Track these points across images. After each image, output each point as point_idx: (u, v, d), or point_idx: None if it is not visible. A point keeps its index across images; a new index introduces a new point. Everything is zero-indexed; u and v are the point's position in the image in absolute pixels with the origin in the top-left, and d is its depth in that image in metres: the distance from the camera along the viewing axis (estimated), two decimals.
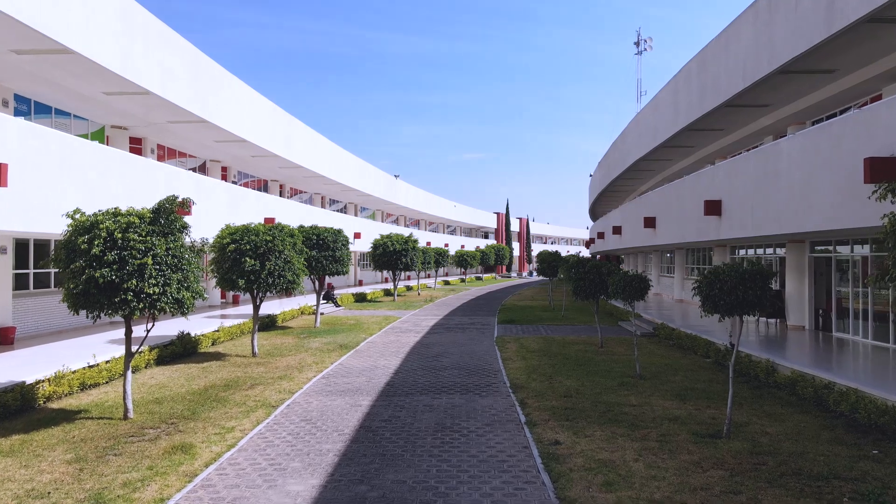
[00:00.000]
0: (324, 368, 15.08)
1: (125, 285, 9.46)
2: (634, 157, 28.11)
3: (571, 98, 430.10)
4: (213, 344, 18.67)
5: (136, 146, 22.42)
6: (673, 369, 14.79)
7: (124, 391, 10.29)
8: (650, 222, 23.39)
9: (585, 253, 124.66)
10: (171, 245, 10.14)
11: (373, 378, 13.90)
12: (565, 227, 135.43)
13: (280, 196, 35.67)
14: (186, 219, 18.30)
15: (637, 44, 58.57)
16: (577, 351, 17.71)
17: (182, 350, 16.52)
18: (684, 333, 18.42)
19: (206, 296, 11.08)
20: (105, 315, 9.80)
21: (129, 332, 10.46)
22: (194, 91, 19.35)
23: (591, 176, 54.64)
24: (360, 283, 52.10)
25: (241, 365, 15.43)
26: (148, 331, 10.67)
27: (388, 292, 42.27)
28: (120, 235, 9.55)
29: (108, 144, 20.44)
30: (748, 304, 8.76)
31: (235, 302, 30.14)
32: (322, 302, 31.03)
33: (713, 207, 16.69)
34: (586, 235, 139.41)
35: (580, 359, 16.29)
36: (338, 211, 46.13)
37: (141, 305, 9.69)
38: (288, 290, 16.71)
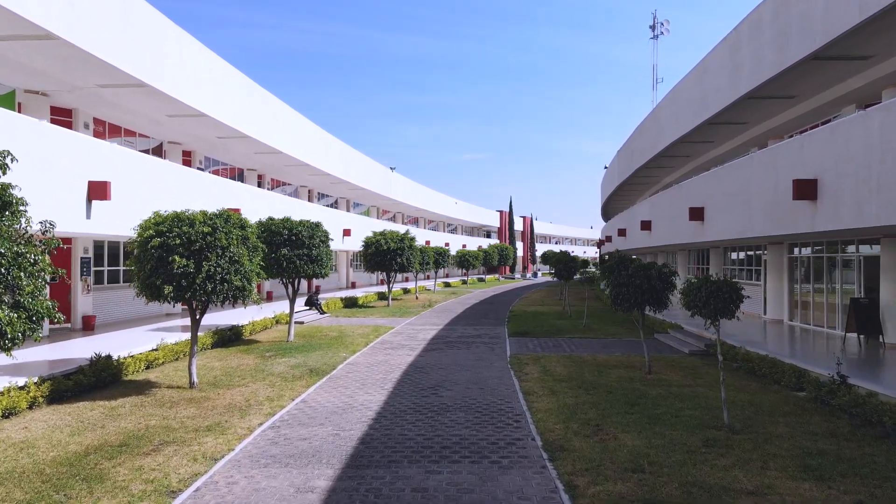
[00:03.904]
0: (278, 409, 10.87)
1: None
2: (670, 139, 23.83)
3: (574, 100, 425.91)
4: (147, 367, 14.46)
5: (63, 118, 18.20)
6: (767, 413, 10.56)
7: None
8: (697, 214, 19.15)
9: (589, 253, 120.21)
10: None
11: (343, 428, 9.69)
12: (570, 226, 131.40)
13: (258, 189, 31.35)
14: (106, 205, 14.20)
15: (653, 27, 54.50)
16: (619, 379, 13.48)
17: (94, 380, 12.28)
18: (756, 355, 14.19)
19: (58, 316, 6.84)
20: None
21: None
22: (126, 43, 15.13)
23: (605, 168, 50.36)
24: (353, 286, 47.88)
25: (165, 403, 11.21)
26: None
27: (382, 296, 38.04)
28: None
29: (20, 113, 16.18)
30: None
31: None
32: (304, 308, 26.82)
33: (805, 190, 12.48)
34: (590, 235, 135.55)
35: (629, 392, 12.07)
36: (328, 206, 41.87)
37: None
38: (235, 299, 12.49)
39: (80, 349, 15.08)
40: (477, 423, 10.00)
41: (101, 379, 12.46)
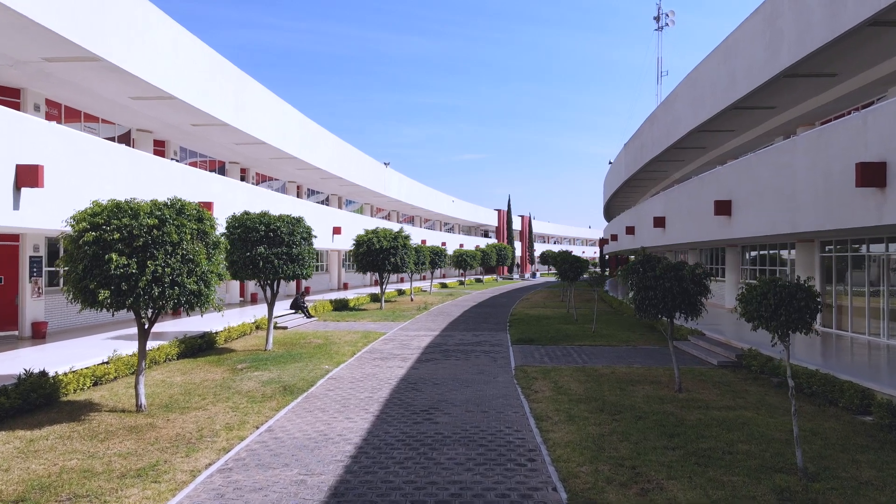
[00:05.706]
0: (236, 442, 8.83)
1: None
2: (688, 127, 21.81)
3: (573, 100, 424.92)
4: (95, 384, 12.40)
5: (9, 98, 16.10)
6: (839, 447, 8.55)
7: None
8: (723, 208, 17.13)
9: (587, 253, 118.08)
10: None
11: (312, 471, 7.64)
12: (569, 225, 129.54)
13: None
14: (38, 193, 12.03)
15: (657, 18, 52.82)
16: (646, 398, 11.46)
17: (21, 403, 10.20)
18: (804, 370, 12.15)
19: None
20: None
21: None
22: (71, 7, 13.04)
23: (610, 163, 48.38)
24: (345, 287, 45.79)
25: (99, 433, 9.14)
26: None
27: (375, 297, 36.00)
28: None
29: None
30: None
31: (176, 313, 23.67)
32: (289, 312, 24.77)
33: (872, 175, 10.49)
34: (589, 235, 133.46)
35: (662, 417, 10.04)
36: (319, 203, 39.77)
37: None
38: (191, 306, 10.42)
39: (20, 362, 13.00)
40: (481, 462, 7.97)
41: (29, 401, 10.38)
